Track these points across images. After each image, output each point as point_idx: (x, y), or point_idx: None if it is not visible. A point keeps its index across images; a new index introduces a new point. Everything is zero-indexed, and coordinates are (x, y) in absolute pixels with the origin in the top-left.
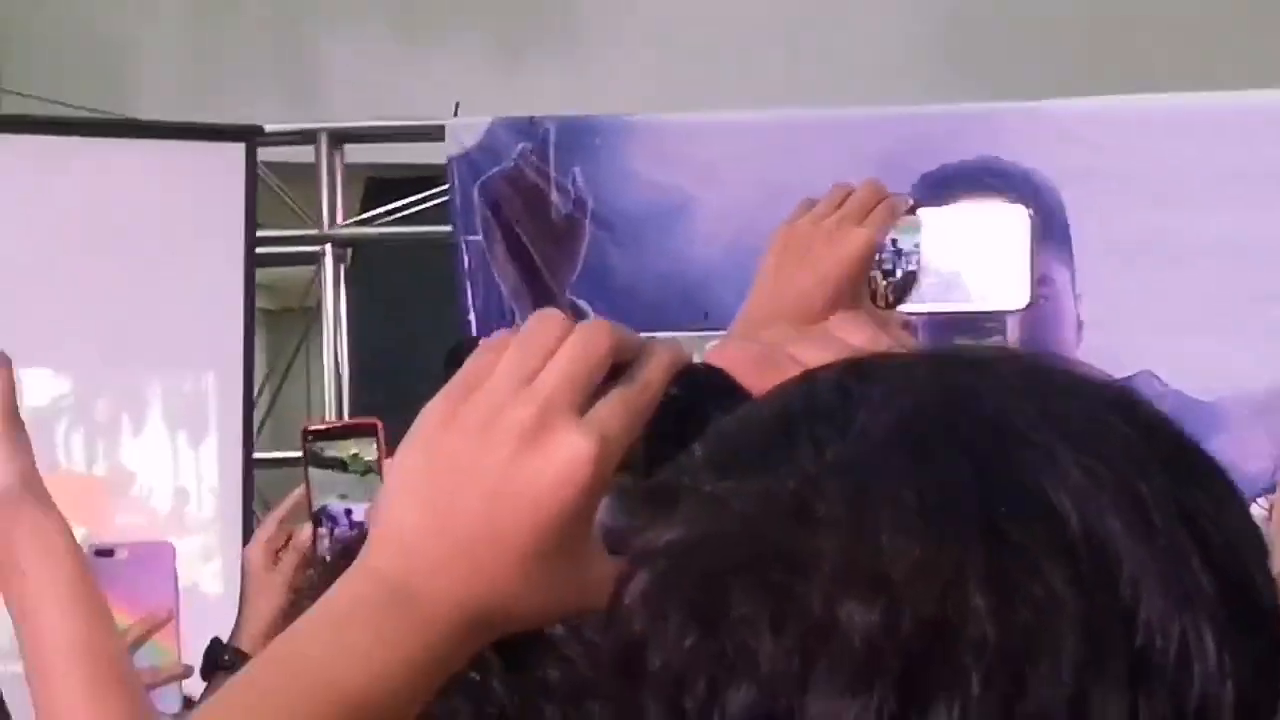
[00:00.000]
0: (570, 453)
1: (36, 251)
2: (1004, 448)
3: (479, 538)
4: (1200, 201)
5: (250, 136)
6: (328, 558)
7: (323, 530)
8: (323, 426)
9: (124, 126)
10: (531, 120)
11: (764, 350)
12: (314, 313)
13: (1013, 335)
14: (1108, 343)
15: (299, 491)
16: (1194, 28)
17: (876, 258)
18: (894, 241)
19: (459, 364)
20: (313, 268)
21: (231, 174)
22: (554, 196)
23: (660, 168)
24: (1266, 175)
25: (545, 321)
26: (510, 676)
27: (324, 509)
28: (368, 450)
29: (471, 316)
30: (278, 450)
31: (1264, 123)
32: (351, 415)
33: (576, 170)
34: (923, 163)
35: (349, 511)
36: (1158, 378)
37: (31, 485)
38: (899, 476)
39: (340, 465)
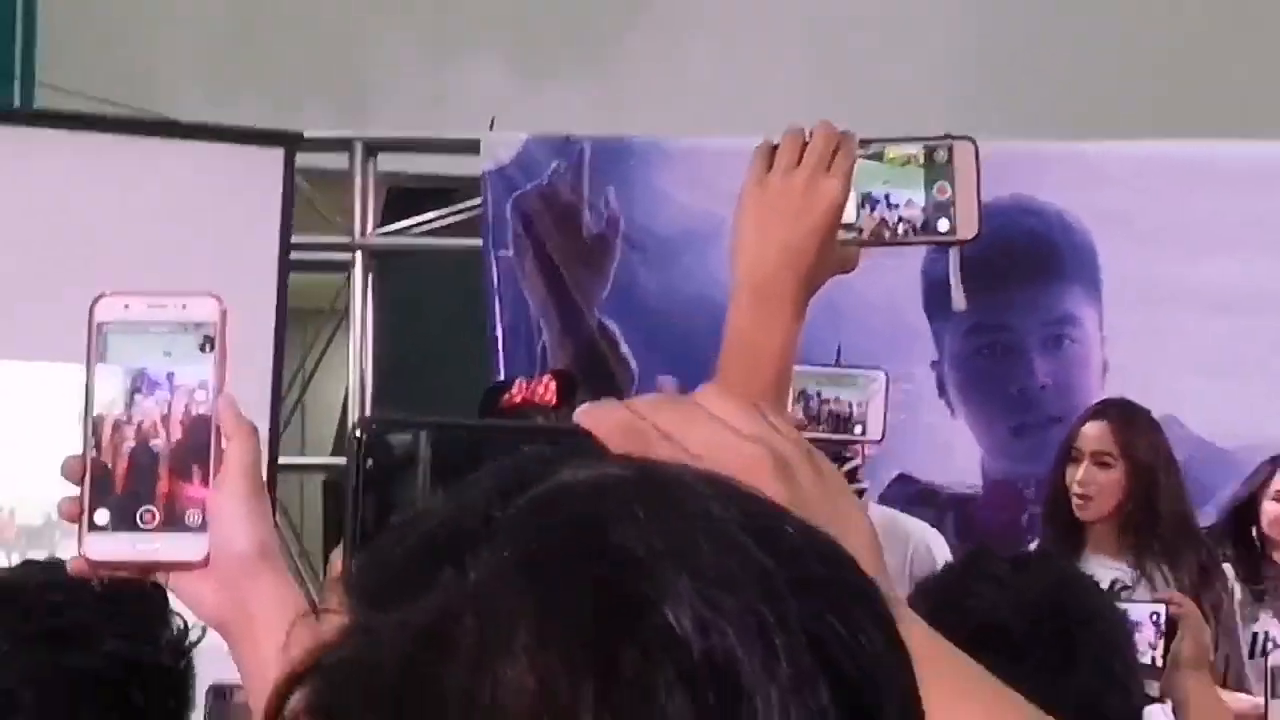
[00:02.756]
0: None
1: (68, 247)
2: (623, 579)
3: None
4: (1231, 248)
5: (290, 142)
6: None
7: None
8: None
9: (162, 126)
10: (567, 139)
11: (631, 419)
12: (336, 316)
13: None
14: (1132, 386)
15: None
16: (1234, 76)
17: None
18: (875, 194)
19: (494, 406)
20: (335, 273)
21: (269, 178)
22: (586, 215)
23: (694, 192)
24: None
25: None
26: None
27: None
28: None
29: (499, 331)
30: (301, 456)
31: None
32: None
33: (610, 190)
34: None
35: None
36: (1181, 423)
37: (269, 554)
38: (520, 610)
39: None
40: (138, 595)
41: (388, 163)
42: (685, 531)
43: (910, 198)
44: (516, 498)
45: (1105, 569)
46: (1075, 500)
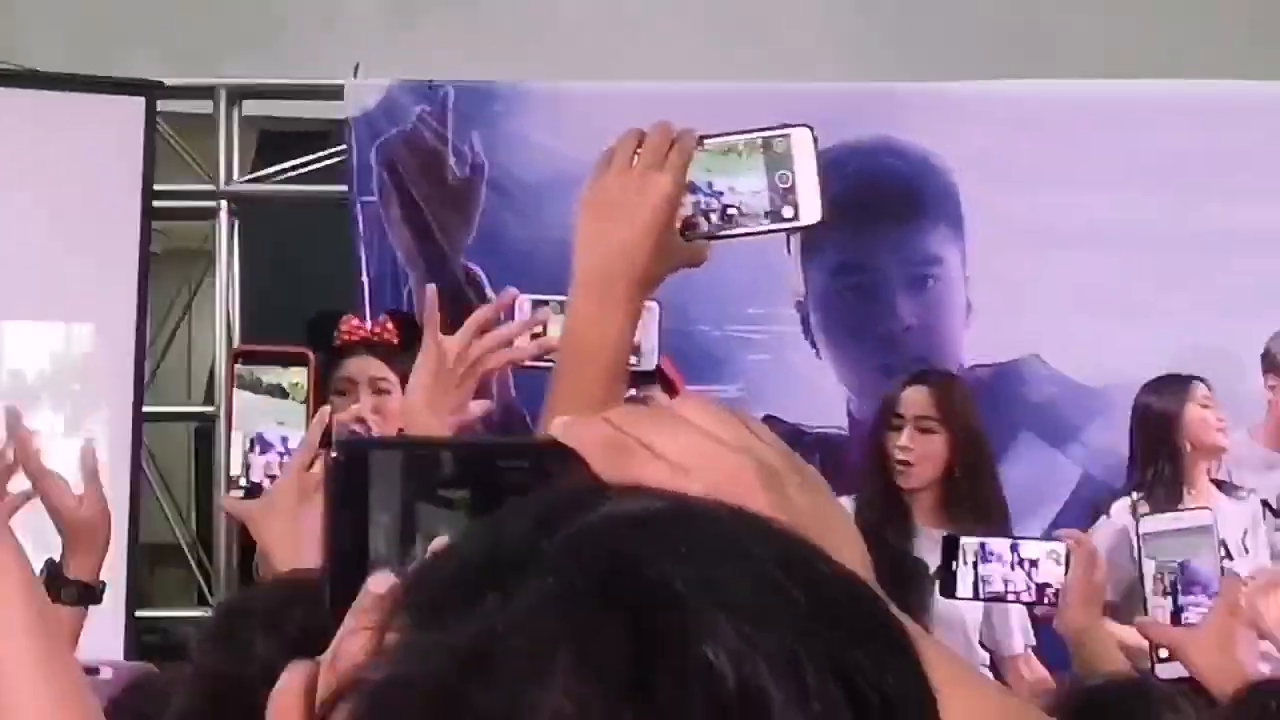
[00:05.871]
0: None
1: None
2: (661, 612)
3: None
4: (1094, 186)
5: (150, 91)
6: (262, 483)
7: (256, 456)
8: (252, 349)
9: (22, 77)
10: (431, 84)
11: (615, 436)
12: (207, 259)
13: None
14: (996, 325)
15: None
16: (1095, 15)
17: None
18: (698, 182)
19: (321, 332)
20: (203, 220)
21: (130, 128)
22: (451, 160)
23: (557, 137)
24: (1161, 163)
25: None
26: None
27: (259, 435)
28: (302, 379)
29: (365, 278)
30: (163, 405)
31: (1161, 111)
32: None
33: (475, 135)
34: (822, 139)
35: (284, 439)
36: (1044, 362)
37: None
38: (560, 637)
39: (280, 392)
40: None
41: (260, 108)
42: (722, 567)
43: (753, 187)
44: (562, 528)
45: (934, 541)
46: (897, 467)
